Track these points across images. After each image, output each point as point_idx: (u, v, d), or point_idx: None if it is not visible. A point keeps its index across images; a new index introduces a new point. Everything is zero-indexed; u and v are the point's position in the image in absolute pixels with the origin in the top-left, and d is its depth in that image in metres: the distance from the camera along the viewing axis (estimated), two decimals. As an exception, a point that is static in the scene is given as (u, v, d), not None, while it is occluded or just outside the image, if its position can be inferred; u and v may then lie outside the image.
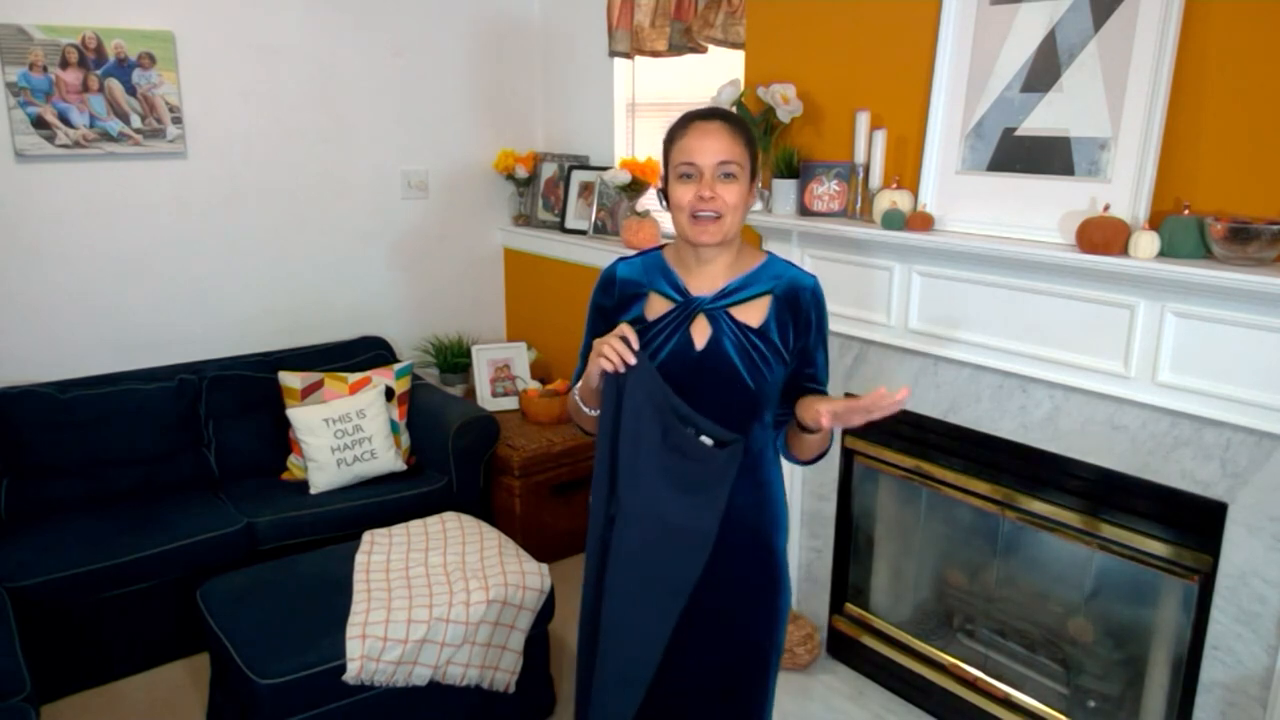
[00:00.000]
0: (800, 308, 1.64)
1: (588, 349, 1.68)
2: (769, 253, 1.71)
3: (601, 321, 1.71)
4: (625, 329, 1.54)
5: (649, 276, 1.68)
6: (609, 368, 1.53)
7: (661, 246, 1.74)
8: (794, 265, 1.69)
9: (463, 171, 3.98)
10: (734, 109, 2.65)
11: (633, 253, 1.77)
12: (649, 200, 3.48)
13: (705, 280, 1.64)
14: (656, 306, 1.65)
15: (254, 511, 2.96)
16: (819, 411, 1.49)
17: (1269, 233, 1.72)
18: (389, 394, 3.34)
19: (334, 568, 2.49)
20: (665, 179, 1.63)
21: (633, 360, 1.52)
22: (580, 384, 1.66)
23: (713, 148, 1.55)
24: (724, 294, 1.63)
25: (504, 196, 4.13)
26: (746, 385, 1.59)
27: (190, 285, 3.41)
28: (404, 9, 3.68)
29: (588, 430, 1.74)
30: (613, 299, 1.70)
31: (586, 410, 1.68)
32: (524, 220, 4.07)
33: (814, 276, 1.67)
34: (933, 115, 2.31)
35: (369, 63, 3.64)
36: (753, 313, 1.62)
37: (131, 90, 3.15)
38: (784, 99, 2.56)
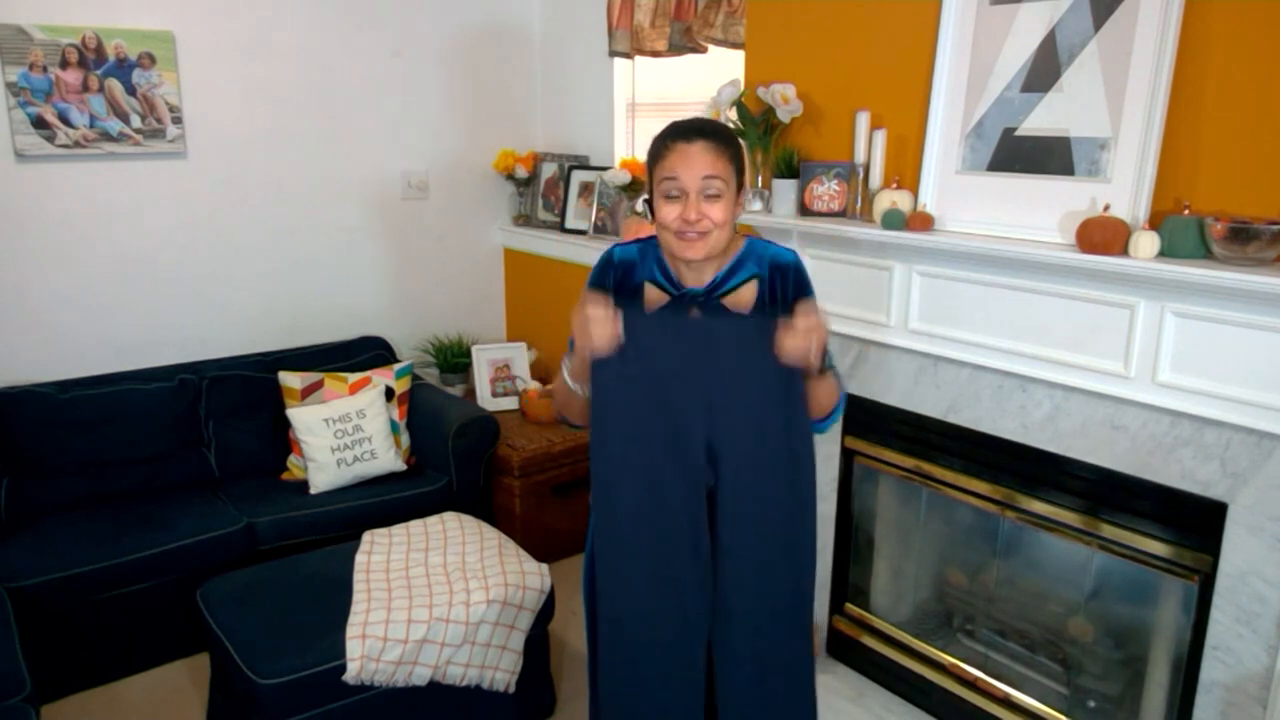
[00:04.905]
0: (786, 282, 1.68)
1: None
2: (747, 236, 1.73)
3: None
4: (591, 296, 1.55)
5: (645, 265, 1.71)
6: (603, 347, 1.54)
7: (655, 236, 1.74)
8: (773, 244, 1.72)
9: (463, 171, 3.98)
10: (734, 109, 2.65)
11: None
12: (649, 200, 3.47)
13: (695, 276, 1.68)
14: (652, 298, 1.70)
15: (254, 511, 2.96)
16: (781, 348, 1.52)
17: (1269, 233, 1.72)
18: (389, 394, 3.34)
19: (334, 568, 2.49)
20: (650, 192, 1.63)
21: (618, 328, 1.54)
22: (573, 362, 1.65)
23: (696, 168, 1.55)
24: (714, 286, 1.68)
25: (504, 196, 4.13)
26: None
27: (190, 285, 3.40)
28: (403, 9, 3.68)
29: (574, 421, 1.75)
30: (610, 281, 1.72)
31: (579, 390, 1.66)
32: (524, 220, 4.06)
33: (794, 252, 1.71)
34: (933, 115, 2.31)
35: (369, 62, 3.64)
36: (743, 298, 1.68)
37: (131, 90, 3.15)
38: (784, 99, 2.56)
